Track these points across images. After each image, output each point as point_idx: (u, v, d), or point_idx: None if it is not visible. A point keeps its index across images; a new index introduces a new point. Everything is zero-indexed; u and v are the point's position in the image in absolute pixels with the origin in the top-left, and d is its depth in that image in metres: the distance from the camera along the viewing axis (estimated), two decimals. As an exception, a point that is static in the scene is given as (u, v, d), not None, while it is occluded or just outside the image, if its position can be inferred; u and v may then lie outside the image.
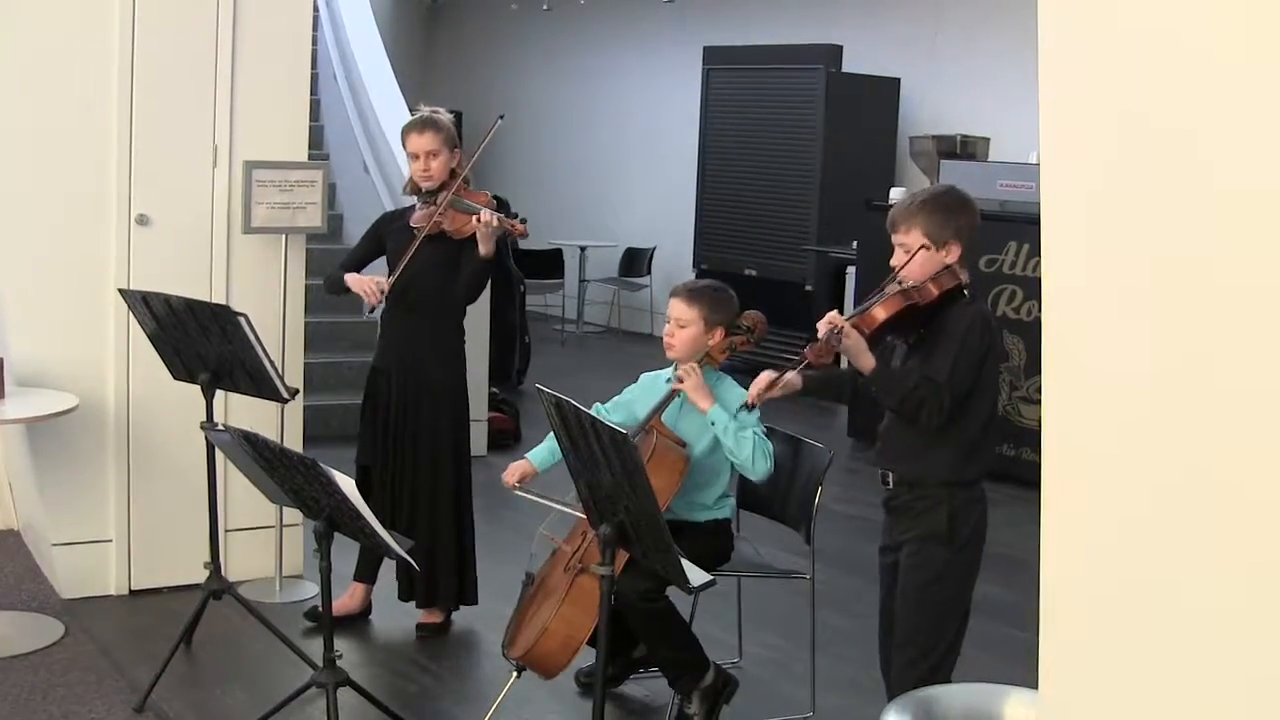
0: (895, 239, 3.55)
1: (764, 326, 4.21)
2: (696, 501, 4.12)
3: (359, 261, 4.94)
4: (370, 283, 4.73)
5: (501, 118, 4.90)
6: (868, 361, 3.45)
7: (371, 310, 4.81)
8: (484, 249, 4.64)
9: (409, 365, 4.79)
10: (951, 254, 3.49)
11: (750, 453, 3.94)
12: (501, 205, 11.68)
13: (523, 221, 4.81)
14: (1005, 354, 7.26)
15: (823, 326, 3.45)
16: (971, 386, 3.44)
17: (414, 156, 4.75)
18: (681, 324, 4.09)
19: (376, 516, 4.67)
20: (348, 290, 4.86)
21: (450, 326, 4.86)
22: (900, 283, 3.50)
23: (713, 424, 3.98)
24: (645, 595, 3.84)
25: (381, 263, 4.90)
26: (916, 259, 3.48)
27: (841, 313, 3.52)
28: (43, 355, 4.87)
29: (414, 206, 4.84)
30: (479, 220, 4.59)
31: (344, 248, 8.77)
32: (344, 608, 4.89)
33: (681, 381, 4.03)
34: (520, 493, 4.07)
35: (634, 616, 3.87)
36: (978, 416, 3.48)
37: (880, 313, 3.46)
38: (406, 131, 4.80)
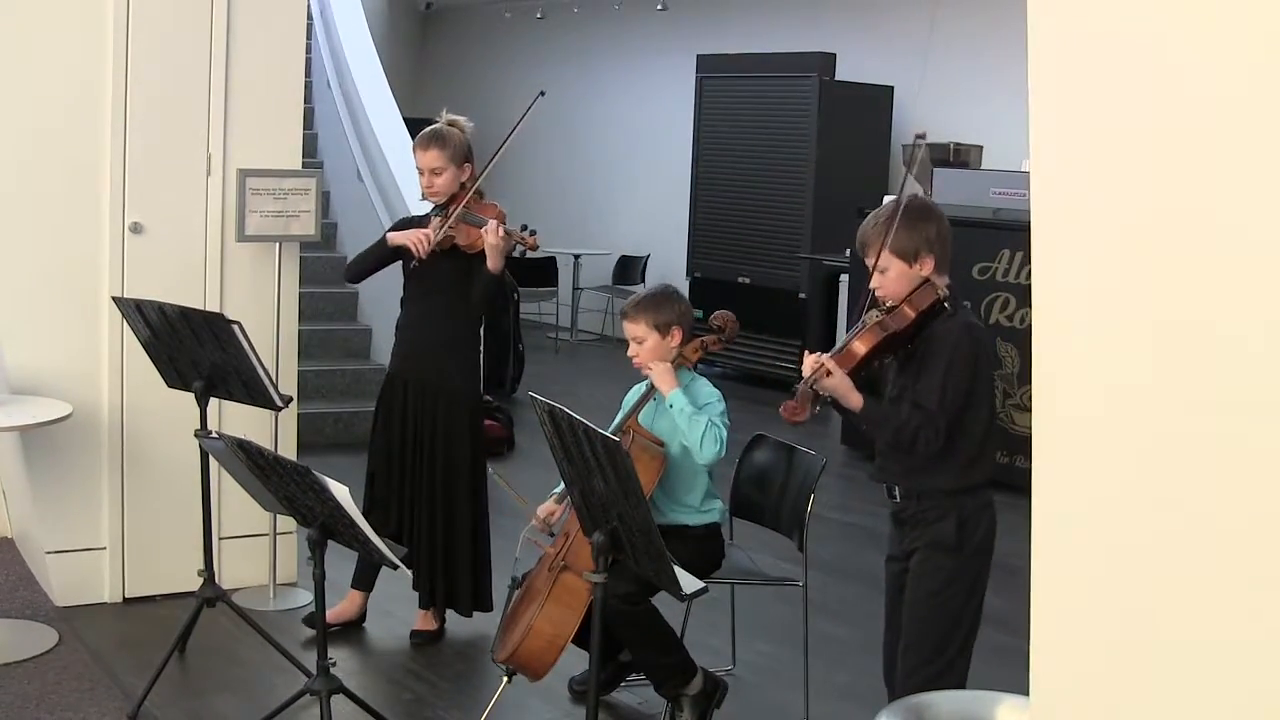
0: (867, 261, 3.50)
1: (734, 325, 4.25)
2: (682, 502, 4.14)
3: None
4: (418, 233, 4.72)
5: (543, 93, 4.87)
6: (855, 400, 3.39)
7: (414, 264, 4.73)
8: (492, 264, 4.63)
9: (426, 374, 4.80)
10: (925, 266, 3.43)
11: (700, 435, 3.97)
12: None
13: (532, 234, 4.80)
14: (997, 362, 7.27)
15: (807, 366, 3.40)
16: (965, 402, 3.40)
17: (419, 171, 4.77)
18: (638, 339, 4.15)
19: (392, 522, 4.72)
20: (381, 264, 4.89)
21: (466, 336, 4.89)
22: (881, 307, 3.45)
23: (670, 406, 4.02)
24: (626, 598, 3.85)
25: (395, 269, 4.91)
26: (892, 277, 3.44)
27: (833, 328, 3.49)
28: (37, 363, 4.87)
29: (428, 216, 4.86)
30: (486, 233, 4.60)
31: (338, 256, 8.79)
32: (342, 614, 4.91)
33: (651, 370, 4.10)
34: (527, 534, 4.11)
35: (615, 620, 3.87)
36: (976, 427, 3.44)
37: (860, 347, 3.40)
38: (415, 146, 4.81)
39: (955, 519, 3.43)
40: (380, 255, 4.92)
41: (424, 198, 4.90)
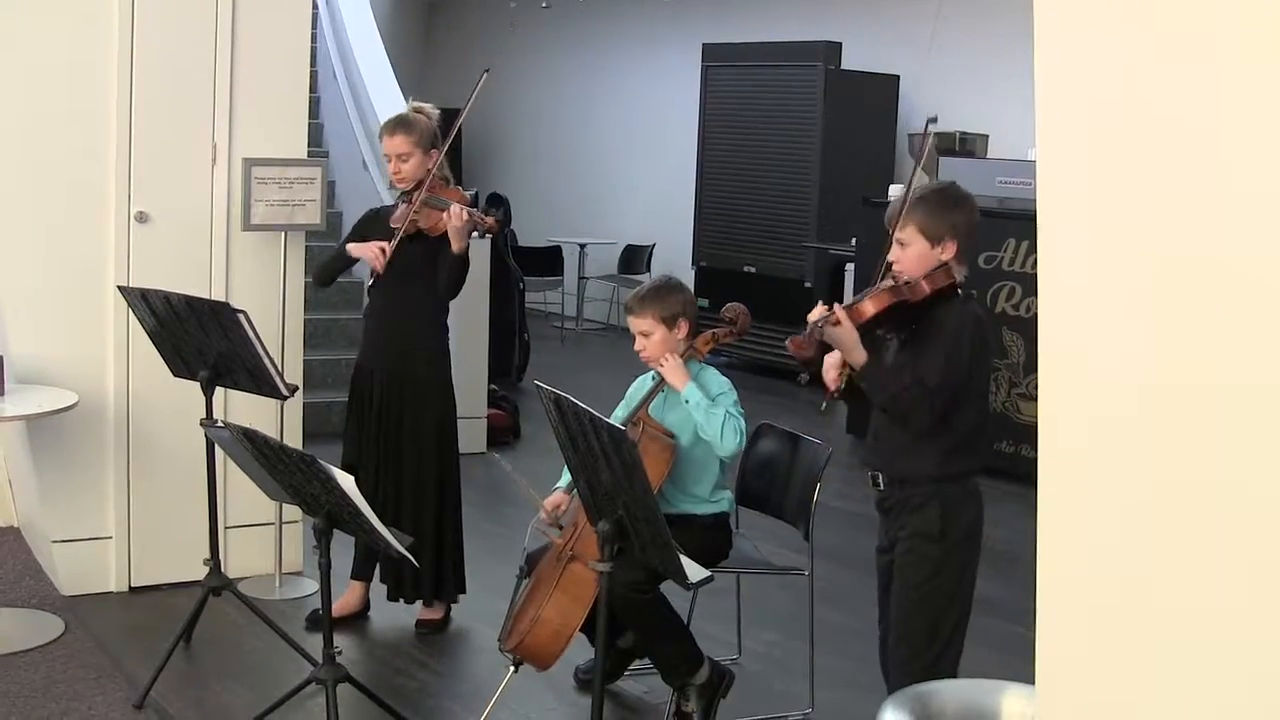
0: (893, 233, 3.53)
1: (746, 318, 4.25)
2: (691, 493, 4.14)
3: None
4: (374, 247, 4.74)
5: (487, 71, 4.89)
6: (859, 355, 3.44)
7: (375, 280, 4.80)
8: (455, 245, 4.63)
9: (392, 363, 4.80)
10: (947, 250, 3.46)
11: (719, 427, 3.98)
12: (496, 201, 11.60)
13: (492, 216, 4.82)
14: (1002, 351, 7.27)
15: (815, 313, 3.47)
16: (960, 388, 3.41)
17: (386, 157, 4.79)
18: (645, 333, 4.14)
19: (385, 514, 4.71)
20: (345, 268, 4.91)
21: (433, 324, 4.87)
22: (894, 278, 3.50)
23: (686, 401, 4.01)
24: (635, 586, 3.84)
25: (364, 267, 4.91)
26: (911, 254, 3.46)
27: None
28: (43, 352, 4.88)
29: (397, 204, 4.86)
30: (449, 215, 4.60)
31: (343, 245, 8.80)
32: (344, 607, 4.90)
33: (662, 366, 4.08)
34: (533, 526, 4.08)
35: (623, 608, 3.88)
36: (966, 416, 3.45)
37: (869, 307, 3.45)
38: (380, 132, 4.83)
39: (938, 507, 3.44)
40: (344, 263, 4.94)
41: (391, 185, 4.91)
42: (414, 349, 4.82)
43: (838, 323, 3.42)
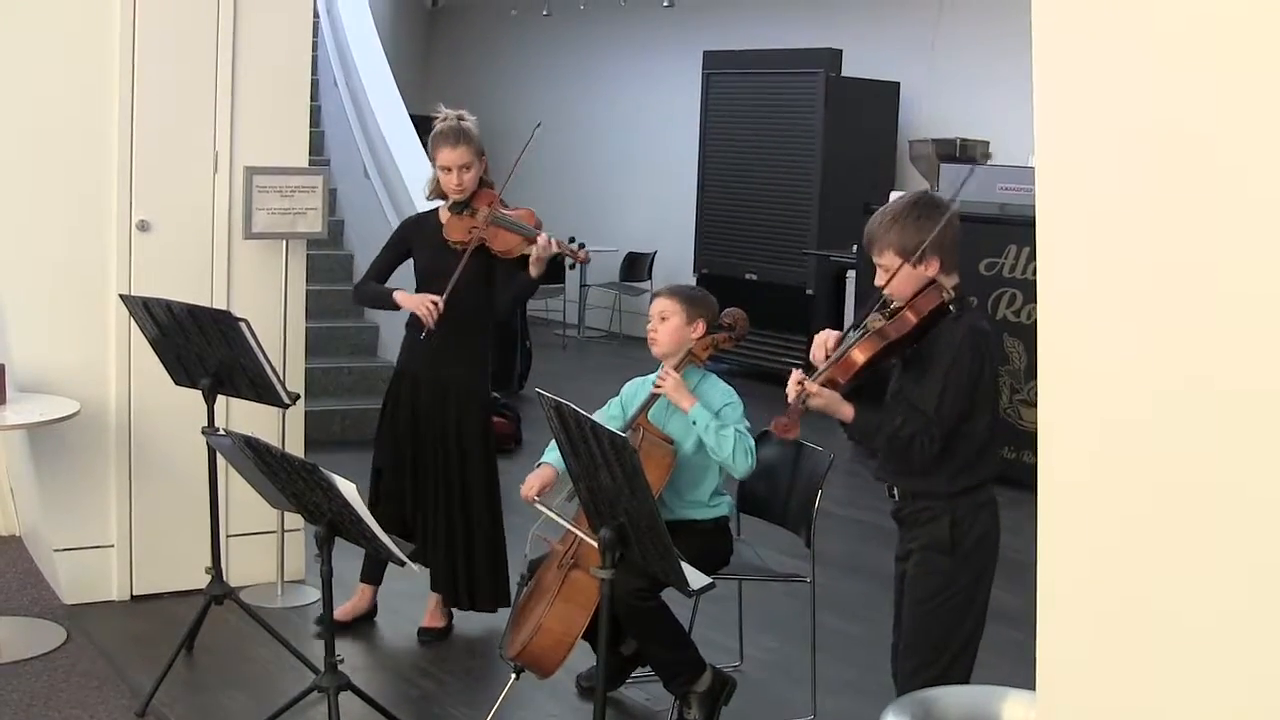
0: (874, 259, 3.45)
1: (745, 323, 4.25)
2: (691, 499, 4.14)
3: (385, 270, 4.92)
4: (427, 302, 4.66)
5: (539, 125, 4.87)
6: (846, 412, 3.34)
7: (427, 334, 4.68)
8: (536, 271, 4.67)
9: (435, 370, 4.77)
10: (931, 267, 3.35)
11: (731, 450, 3.97)
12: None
13: (581, 247, 4.80)
14: (1004, 357, 7.26)
15: (791, 390, 3.33)
16: (966, 408, 3.32)
17: (445, 170, 4.69)
18: (664, 317, 4.14)
19: (407, 517, 4.72)
20: (392, 308, 4.84)
21: (482, 334, 4.88)
22: (883, 308, 3.38)
23: (694, 423, 4.00)
24: (637, 594, 3.84)
25: (407, 270, 4.89)
26: (899, 277, 3.36)
27: (840, 324, 3.46)
28: (44, 361, 4.88)
29: (436, 211, 4.83)
30: (536, 245, 4.60)
31: (345, 253, 8.80)
32: (354, 610, 4.92)
33: (661, 384, 4.07)
34: (541, 507, 4.02)
35: (626, 615, 3.88)
36: (975, 433, 3.36)
37: (858, 356, 3.31)
38: (438, 144, 4.71)
39: (948, 520, 3.37)
40: (390, 305, 4.85)
41: (429, 195, 4.88)
42: (462, 358, 4.80)
43: (814, 393, 3.31)
